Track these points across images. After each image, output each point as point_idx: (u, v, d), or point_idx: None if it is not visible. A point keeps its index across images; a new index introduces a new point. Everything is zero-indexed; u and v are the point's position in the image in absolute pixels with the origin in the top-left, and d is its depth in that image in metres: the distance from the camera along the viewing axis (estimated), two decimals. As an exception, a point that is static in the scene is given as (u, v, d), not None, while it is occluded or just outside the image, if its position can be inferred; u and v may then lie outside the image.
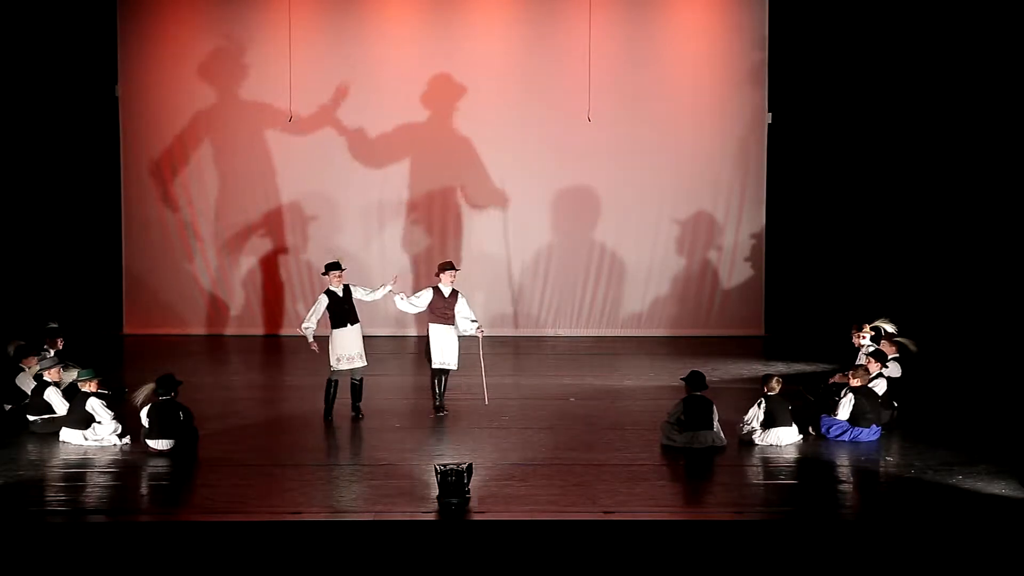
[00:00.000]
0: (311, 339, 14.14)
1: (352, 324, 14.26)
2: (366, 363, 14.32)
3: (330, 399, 14.22)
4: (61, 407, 13.61)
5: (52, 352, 14.88)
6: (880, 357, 14.28)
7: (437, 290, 14.45)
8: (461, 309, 14.45)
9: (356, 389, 14.30)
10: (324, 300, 14.27)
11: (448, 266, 14.62)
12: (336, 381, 14.22)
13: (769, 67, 20.00)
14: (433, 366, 14.37)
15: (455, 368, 14.43)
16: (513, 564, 10.37)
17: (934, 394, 15.27)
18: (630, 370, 17.51)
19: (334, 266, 14.36)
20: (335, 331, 14.17)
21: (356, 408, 14.29)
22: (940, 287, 19.22)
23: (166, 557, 10.31)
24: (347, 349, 14.16)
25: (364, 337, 14.48)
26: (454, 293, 14.47)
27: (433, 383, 14.46)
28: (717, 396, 13.72)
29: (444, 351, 14.33)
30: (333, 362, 14.17)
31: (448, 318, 14.39)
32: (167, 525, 10.83)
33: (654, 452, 12.99)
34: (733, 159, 20.17)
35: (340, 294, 14.30)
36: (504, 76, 20.03)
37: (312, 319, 14.23)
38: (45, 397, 13.71)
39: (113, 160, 19.98)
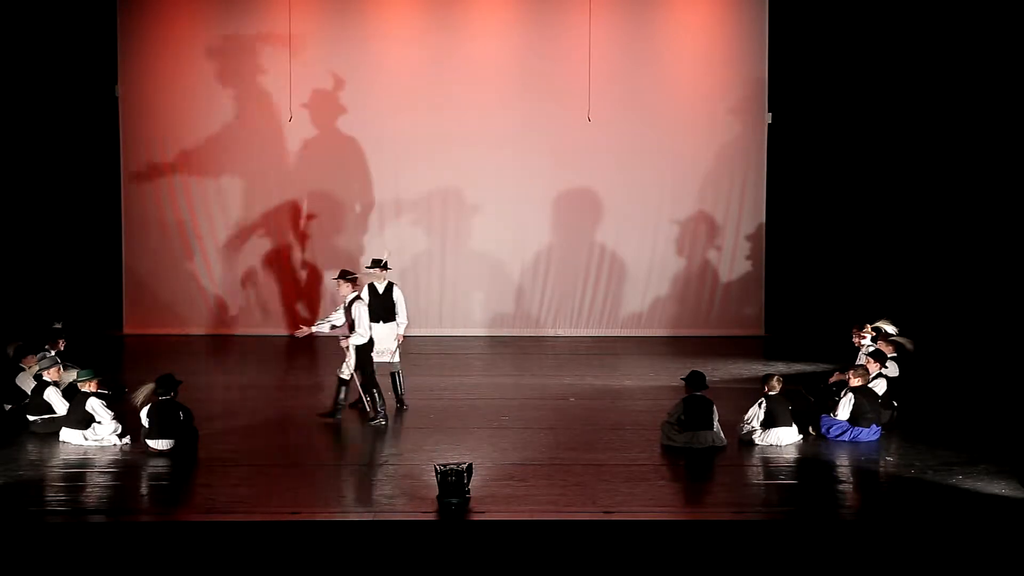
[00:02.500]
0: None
1: (386, 322, 14.44)
2: (398, 360, 14.53)
3: (379, 392, 14.33)
4: (61, 407, 13.60)
5: (53, 353, 14.90)
6: (879, 357, 14.28)
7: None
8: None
9: (394, 381, 14.53)
10: (365, 296, 14.46)
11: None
12: (391, 374, 14.48)
13: (769, 67, 20.00)
14: None
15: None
16: (513, 564, 10.37)
17: (934, 394, 15.27)
18: (630, 370, 17.51)
19: (376, 263, 14.62)
20: (372, 325, 14.33)
21: (400, 399, 14.54)
22: (940, 287, 19.22)
23: (166, 557, 10.32)
24: (382, 343, 14.38)
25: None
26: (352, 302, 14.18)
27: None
28: (717, 396, 13.72)
29: None
30: (373, 354, 14.34)
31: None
32: (167, 525, 10.83)
33: (654, 452, 12.99)
34: (733, 159, 20.17)
35: (380, 291, 14.50)
36: (504, 76, 20.04)
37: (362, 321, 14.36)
38: (45, 397, 13.71)
39: (113, 160, 19.97)
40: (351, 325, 14.01)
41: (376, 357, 14.32)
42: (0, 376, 14.55)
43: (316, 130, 19.98)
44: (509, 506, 11.14)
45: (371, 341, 14.11)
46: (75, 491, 11.63)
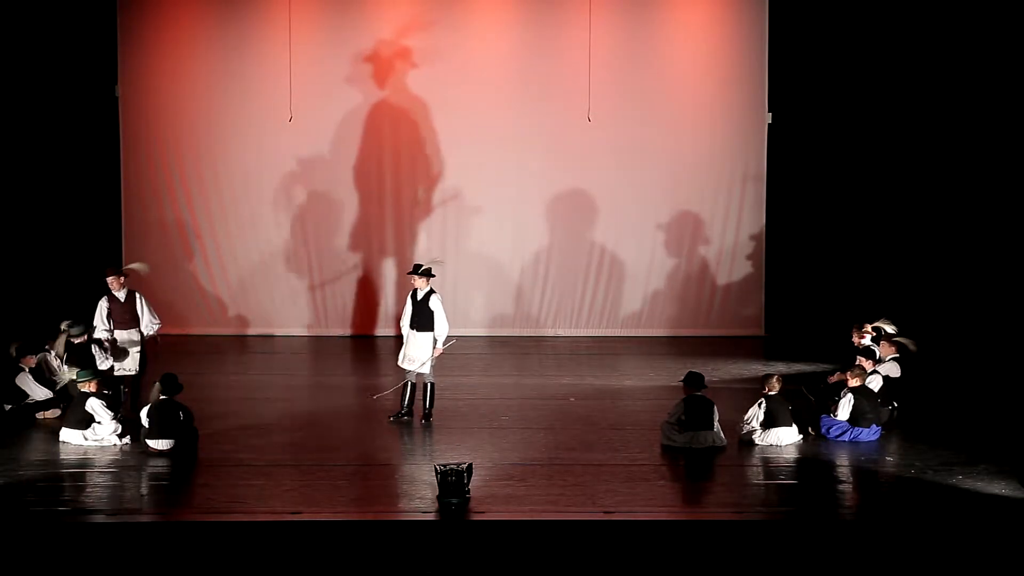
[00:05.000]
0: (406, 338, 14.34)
1: (419, 331, 14.13)
2: (426, 371, 14.15)
3: (403, 396, 14.24)
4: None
5: (53, 353, 14.98)
6: (870, 355, 14.27)
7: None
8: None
9: (423, 391, 14.27)
10: (408, 300, 14.35)
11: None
12: (407, 383, 14.22)
13: (769, 67, 19.99)
14: None
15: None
16: (513, 564, 10.38)
17: (934, 394, 15.28)
18: (630, 370, 17.51)
19: (416, 268, 14.35)
20: (410, 332, 14.23)
21: (425, 412, 14.21)
22: (940, 287, 19.21)
23: (166, 557, 10.32)
24: (409, 351, 14.19)
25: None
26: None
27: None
28: (717, 396, 13.73)
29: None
30: (399, 359, 14.32)
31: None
32: (167, 525, 10.83)
33: (654, 452, 13.00)
34: (733, 159, 20.17)
35: (419, 298, 14.22)
36: (504, 76, 20.03)
37: (404, 319, 14.35)
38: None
39: (113, 160, 19.97)
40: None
41: (405, 364, 14.22)
42: (0, 376, 14.55)
43: (316, 130, 19.97)
44: (509, 506, 11.14)
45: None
46: (75, 491, 11.63)
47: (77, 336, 14.16)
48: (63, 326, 15.07)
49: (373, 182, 20.18)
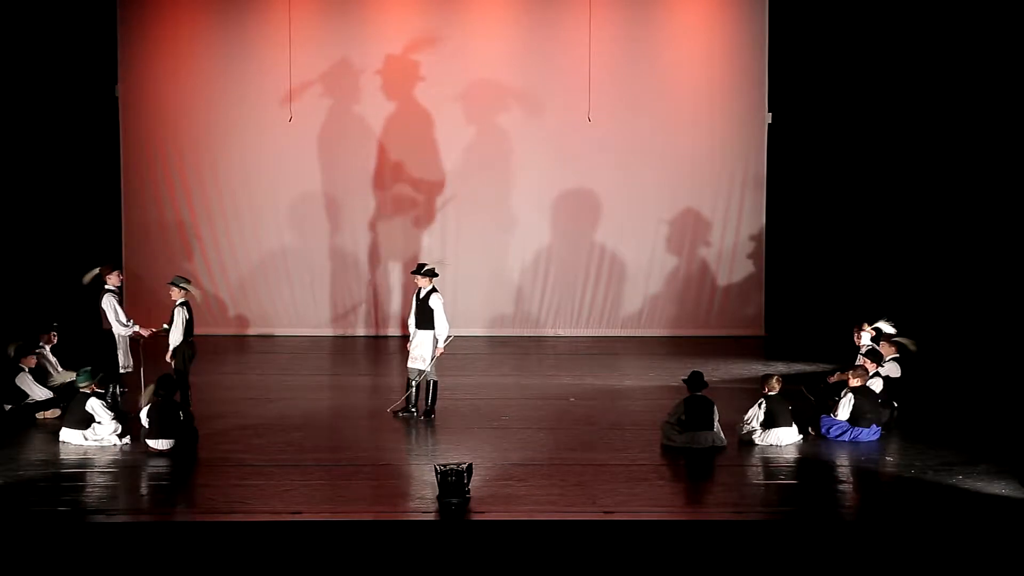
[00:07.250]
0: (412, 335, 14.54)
1: (420, 329, 14.38)
2: (426, 368, 14.31)
3: (407, 395, 14.45)
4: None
5: (48, 347, 15.02)
6: (875, 357, 14.28)
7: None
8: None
9: (424, 389, 14.42)
10: (413, 300, 14.56)
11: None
12: (409, 380, 14.43)
13: (769, 67, 19.99)
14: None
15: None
16: (513, 564, 10.38)
17: (934, 394, 15.27)
18: (630, 370, 17.51)
19: (419, 268, 14.58)
20: (415, 331, 14.49)
21: (426, 410, 14.37)
22: (940, 287, 19.21)
23: (166, 557, 10.32)
24: (414, 349, 14.41)
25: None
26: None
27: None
28: (717, 396, 13.72)
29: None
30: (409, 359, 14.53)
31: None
32: (167, 525, 10.83)
33: (654, 452, 13.00)
34: (733, 159, 20.16)
35: (421, 296, 14.40)
36: (504, 76, 20.03)
37: (411, 318, 14.59)
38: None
39: (113, 160, 19.97)
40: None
41: (410, 363, 14.42)
42: (0, 376, 14.56)
43: (316, 130, 19.97)
44: (509, 506, 11.14)
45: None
46: (75, 491, 11.63)
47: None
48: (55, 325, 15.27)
49: (373, 182, 20.18)
